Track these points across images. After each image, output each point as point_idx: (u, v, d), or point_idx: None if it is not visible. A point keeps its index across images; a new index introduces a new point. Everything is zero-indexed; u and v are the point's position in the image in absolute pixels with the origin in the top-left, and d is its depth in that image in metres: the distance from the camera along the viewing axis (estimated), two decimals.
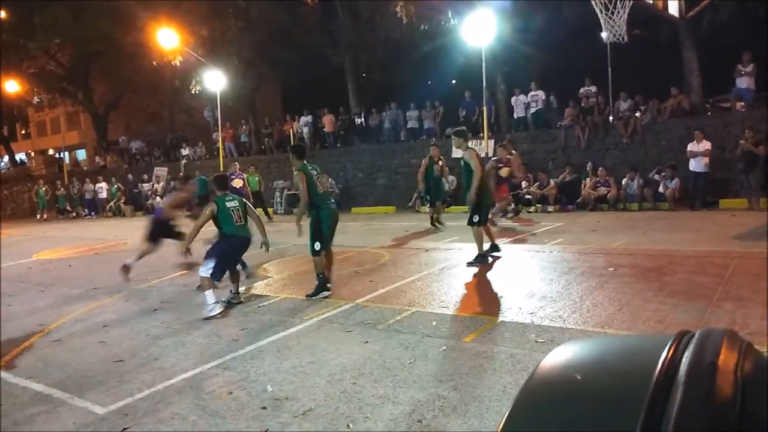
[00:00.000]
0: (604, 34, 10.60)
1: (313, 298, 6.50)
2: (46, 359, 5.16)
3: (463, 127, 8.87)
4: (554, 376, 0.66)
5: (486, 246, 8.05)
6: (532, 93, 16.99)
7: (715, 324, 4.69)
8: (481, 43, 14.73)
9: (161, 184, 23.75)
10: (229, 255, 6.55)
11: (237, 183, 14.82)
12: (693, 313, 5.05)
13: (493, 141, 15.69)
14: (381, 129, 19.98)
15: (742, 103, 14.05)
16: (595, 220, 11.98)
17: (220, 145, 22.23)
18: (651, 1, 10.47)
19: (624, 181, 13.95)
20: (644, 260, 7.47)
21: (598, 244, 8.93)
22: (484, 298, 6.35)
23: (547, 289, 6.23)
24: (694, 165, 12.95)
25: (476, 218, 7.87)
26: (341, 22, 21.94)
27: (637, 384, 0.57)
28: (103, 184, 24.64)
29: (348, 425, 3.41)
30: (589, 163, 14.65)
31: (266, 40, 22.53)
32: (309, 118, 21.53)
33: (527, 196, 14.88)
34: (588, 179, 14.42)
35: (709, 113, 15.09)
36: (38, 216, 23.90)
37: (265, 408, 3.73)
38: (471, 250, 8.15)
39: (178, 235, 8.13)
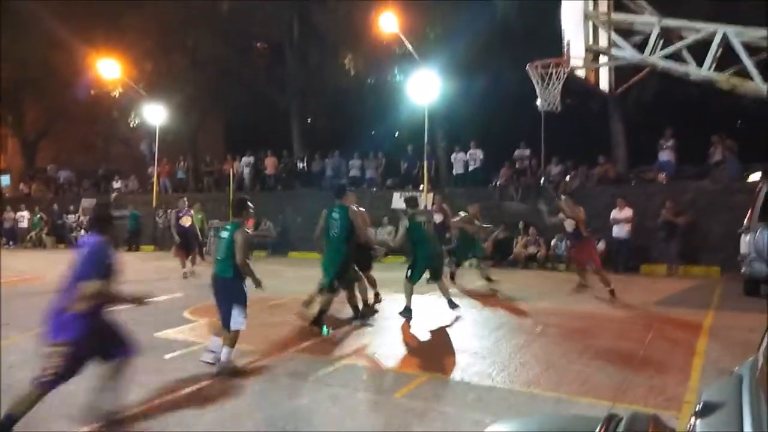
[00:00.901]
0: (538, 102, 11.14)
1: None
2: None
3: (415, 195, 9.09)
4: None
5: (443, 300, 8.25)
6: (471, 151, 17.58)
7: (634, 388, 4.85)
8: (424, 101, 15.21)
9: (87, 216, 22.76)
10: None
11: (185, 221, 12.98)
12: (615, 377, 5.20)
13: (432, 194, 16.03)
14: (323, 175, 20.05)
15: (664, 175, 15.02)
16: (526, 279, 12.30)
17: (155, 179, 21.65)
18: (584, 76, 11.14)
19: (553, 242, 14.48)
20: (570, 321, 7.69)
21: (528, 302, 9.14)
22: (416, 353, 6.33)
23: (477, 345, 6.28)
24: (617, 231, 13.62)
25: (409, 273, 8.03)
26: (290, 68, 22.18)
27: None
28: (25, 213, 23.36)
29: None
30: (521, 222, 15.15)
31: (212, 79, 22.45)
32: (251, 159, 21.37)
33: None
34: (520, 237, 14.89)
35: (633, 183, 16.01)
36: None
37: None
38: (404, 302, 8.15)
39: None
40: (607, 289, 9.33)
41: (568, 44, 10.62)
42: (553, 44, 10.98)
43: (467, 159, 17.65)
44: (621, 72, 11.99)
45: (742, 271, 9.71)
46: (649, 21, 10.40)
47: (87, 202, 23.29)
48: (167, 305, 9.00)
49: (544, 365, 5.56)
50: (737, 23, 9.63)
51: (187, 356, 6.01)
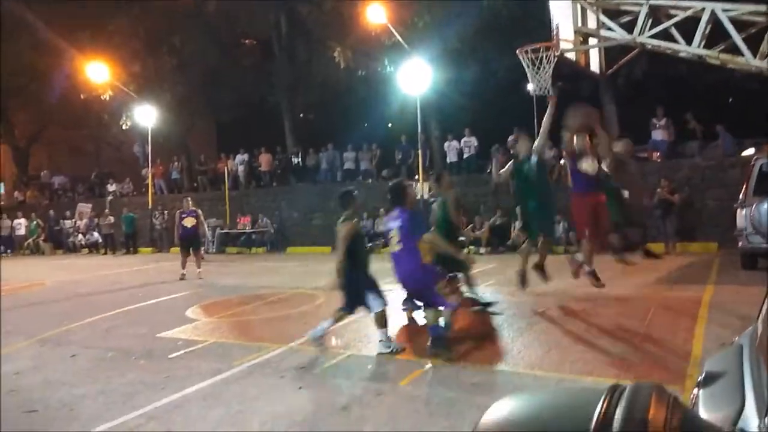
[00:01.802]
0: (530, 87, 11.14)
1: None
2: None
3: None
4: None
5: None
6: (465, 139, 17.59)
7: (637, 365, 4.89)
8: (416, 91, 15.18)
9: (84, 221, 22.73)
10: None
11: (188, 222, 12.47)
12: (617, 355, 5.24)
13: (427, 184, 16.06)
14: (318, 169, 20.05)
15: (658, 154, 15.07)
16: None
17: (149, 181, 21.62)
18: (574, 58, 11.14)
19: None
20: (571, 302, 7.73)
21: (528, 285, 9.16)
22: (419, 341, 6.35)
23: (479, 331, 6.32)
24: None
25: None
26: (279, 63, 22.10)
27: None
28: (22, 221, 23.32)
29: None
30: (518, 207, 15.15)
31: (201, 78, 22.36)
32: (245, 157, 21.35)
33: (460, 238, 15.20)
34: (517, 222, 14.92)
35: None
36: None
37: None
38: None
39: None
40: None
41: (557, 27, 10.61)
42: (542, 28, 10.99)
43: (461, 147, 17.66)
44: (611, 53, 11.99)
45: (739, 245, 9.78)
46: (637, 0, 10.39)
47: (83, 207, 23.25)
48: (169, 305, 9.03)
49: (546, 347, 5.60)
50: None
51: (191, 355, 6.03)
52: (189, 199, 13.26)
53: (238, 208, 20.20)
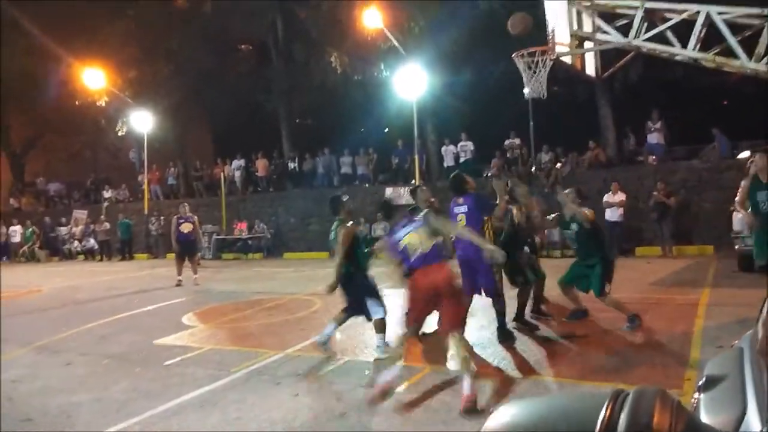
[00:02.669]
0: (526, 91, 11.14)
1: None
2: None
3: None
4: None
5: None
6: (462, 143, 17.60)
7: (635, 368, 4.88)
8: (412, 96, 15.18)
9: (80, 227, 22.65)
10: None
11: (186, 227, 12.21)
12: (615, 358, 5.23)
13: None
14: (314, 174, 20.02)
15: (654, 157, 15.09)
16: None
17: (145, 187, 21.57)
18: (570, 62, 11.16)
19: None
20: (568, 306, 7.71)
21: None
22: (416, 345, 6.33)
23: (477, 336, 6.30)
24: (610, 215, 13.69)
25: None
26: (275, 68, 22.11)
27: None
28: (17, 227, 23.21)
29: None
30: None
31: (197, 83, 22.35)
32: (241, 162, 21.32)
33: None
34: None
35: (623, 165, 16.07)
36: None
37: None
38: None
39: None
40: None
41: (553, 31, 10.62)
42: (537, 32, 10.99)
43: (458, 151, 17.67)
44: (606, 56, 12.03)
45: (736, 248, 9.79)
46: (633, 4, 10.41)
47: (79, 213, 23.17)
48: (165, 312, 8.98)
49: (544, 351, 5.59)
50: (720, 2, 9.67)
51: (188, 362, 6.00)
52: (186, 204, 13.14)
53: (234, 213, 20.15)
